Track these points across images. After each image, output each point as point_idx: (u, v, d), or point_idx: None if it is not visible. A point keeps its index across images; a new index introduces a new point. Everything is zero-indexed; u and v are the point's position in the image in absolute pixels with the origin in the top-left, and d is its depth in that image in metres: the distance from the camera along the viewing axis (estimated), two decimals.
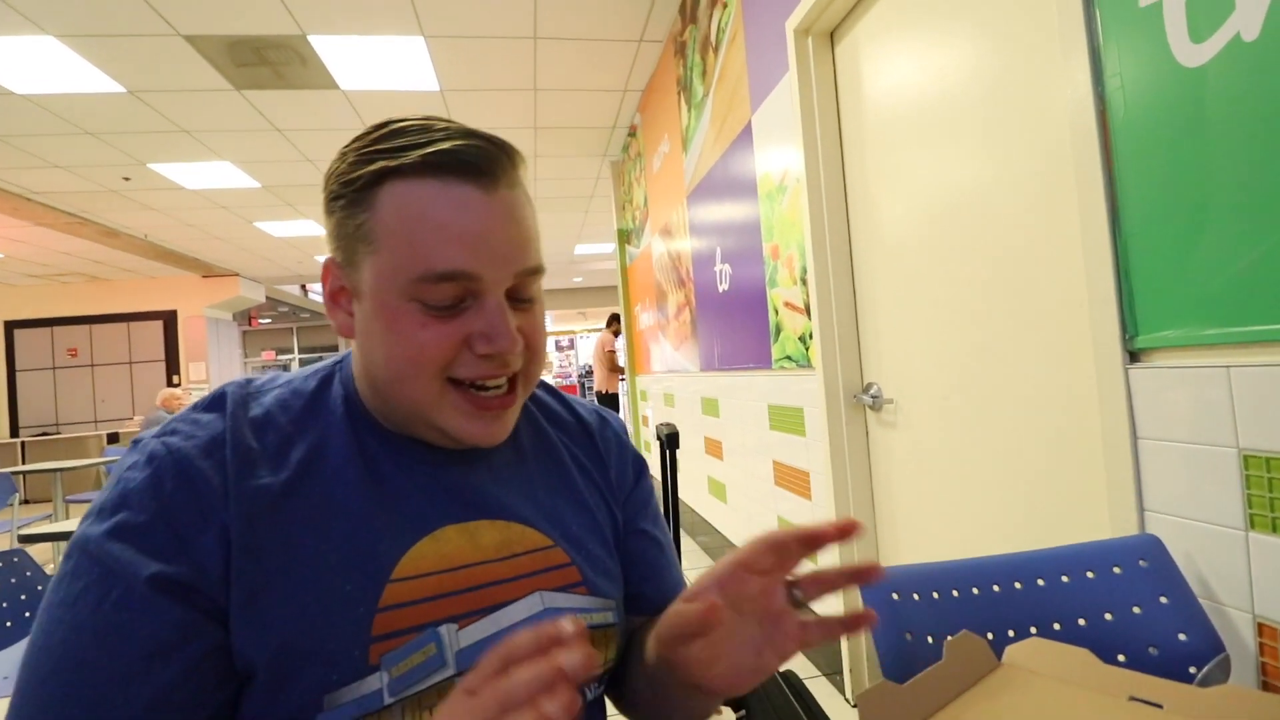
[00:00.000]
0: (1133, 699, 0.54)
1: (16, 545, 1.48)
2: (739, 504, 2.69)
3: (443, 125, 0.49)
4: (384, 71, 3.34)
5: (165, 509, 0.44)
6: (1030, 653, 0.61)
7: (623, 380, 5.85)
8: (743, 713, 0.80)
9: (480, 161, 0.48)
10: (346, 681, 0.45)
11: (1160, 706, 0.52)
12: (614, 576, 0.60)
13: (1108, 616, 0.78)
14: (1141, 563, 0.79)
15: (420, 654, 0.47)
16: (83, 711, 0.39)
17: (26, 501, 5.11)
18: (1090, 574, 0.80)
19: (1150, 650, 0.75)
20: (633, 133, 4.39)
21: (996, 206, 1.21)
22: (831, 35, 1.77)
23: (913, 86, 1.44)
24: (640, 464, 0.69)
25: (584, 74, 3.56)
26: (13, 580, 1.41)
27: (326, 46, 3.03)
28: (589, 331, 15.02)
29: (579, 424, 0.67)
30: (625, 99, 3.94)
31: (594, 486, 0.63)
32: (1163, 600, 0.76)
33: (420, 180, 0.47)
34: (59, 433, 7.90)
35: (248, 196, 5.35)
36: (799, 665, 1.99)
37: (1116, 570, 0.80)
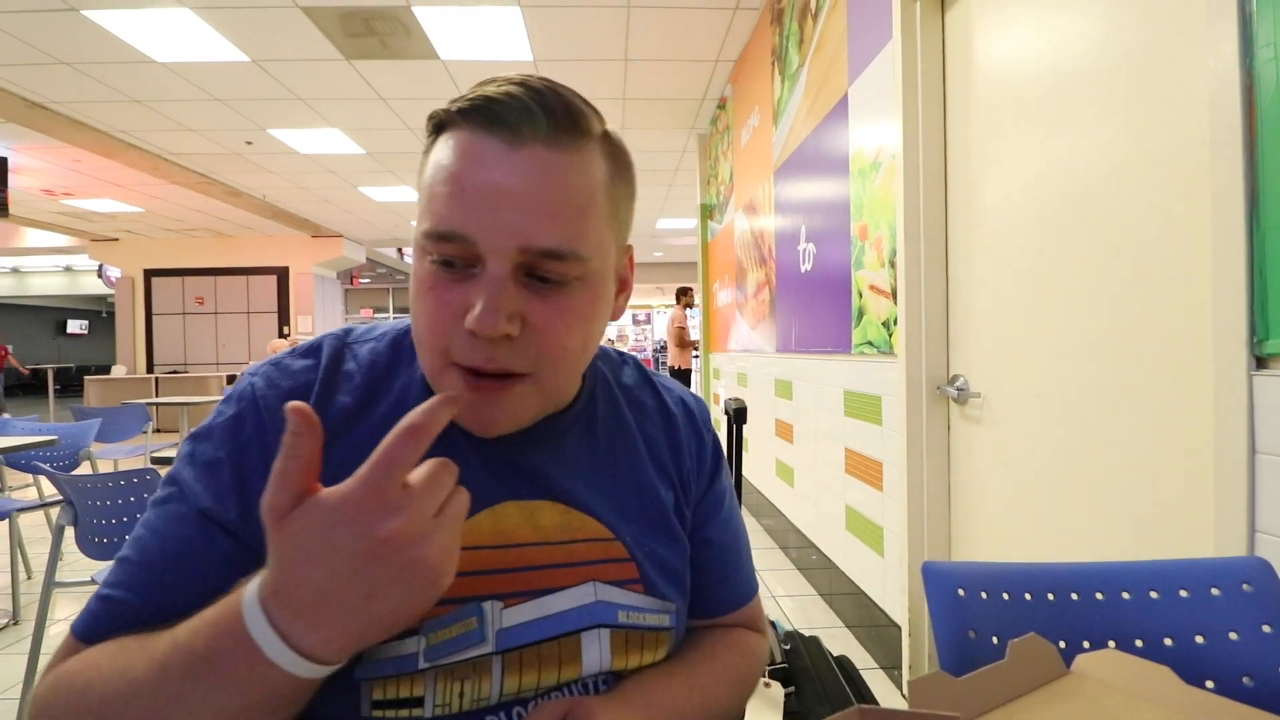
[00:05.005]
0: None
1: (149, 465, 1.68)
2: (806, 489, 2.65)
3: (519, 79, 0.43)
4: (481, 42, 3.43)
5: (237, 451, 0.46)
6: (1103, 664, 0.58)
7: (696, 356, 5.84)
8: (792, 689, 0.81)
9: (508, 113, 0.41)
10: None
11: None
12: (676, 577, 0.56)
13: (1199, 639, 0.72)
14: (1245, 587, 0.72)
15: (460, 625, 0.46)
16: (153, 594, 0.43)
17: (159, 430, 5.76)
18: (1184, 593, 0.75)
19: (1244, 680, 0.69)
20: (722, 105, 4.30)
21: (1115, 192, 1.11)
22: (942, 1, 1.66)
23: (1030, 58, 1.33)
24: (718, 463, 0.64)
25: (676, 44, 3.50)
26: (145, 495, 1.62)
27: (429, 17, 3.14)
28: (665, 307, 15.02)
29: (660, 409, 0.62)
30: (717, 69, 3.86)
31: (667, 480, 0.58)
32: (1265, 629, 0.70)
33: (456, 131, 0.43)
34: (186, 371, 8.81)
35: (353, 162, 5.67)
36: (855, 656, 1.96)
37: (1215, 591, 0.73)
